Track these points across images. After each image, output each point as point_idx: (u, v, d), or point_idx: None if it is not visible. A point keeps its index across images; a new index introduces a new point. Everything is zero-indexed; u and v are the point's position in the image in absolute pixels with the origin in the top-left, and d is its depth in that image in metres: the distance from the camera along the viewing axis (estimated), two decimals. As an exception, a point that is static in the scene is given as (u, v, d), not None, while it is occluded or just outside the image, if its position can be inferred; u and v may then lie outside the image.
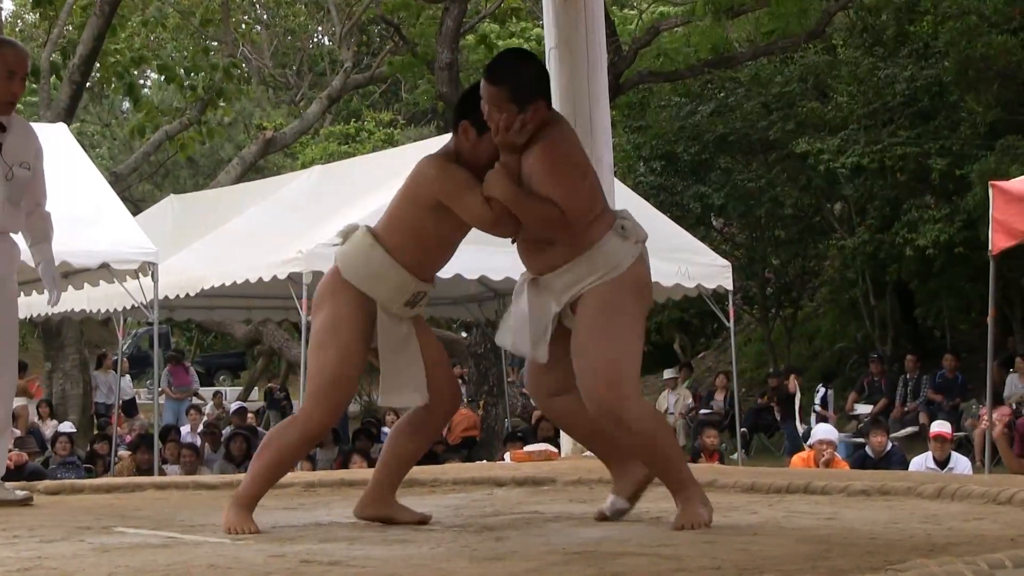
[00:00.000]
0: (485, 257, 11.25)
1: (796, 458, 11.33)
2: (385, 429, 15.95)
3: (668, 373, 19.32)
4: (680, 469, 4.63)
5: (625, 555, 3.87)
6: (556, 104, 8.33)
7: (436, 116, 29.89)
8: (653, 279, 13.55)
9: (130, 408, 19.60)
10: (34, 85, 19.69)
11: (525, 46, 22.30)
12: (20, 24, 27.25)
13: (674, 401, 18.30)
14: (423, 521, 4.84)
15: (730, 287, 13.61)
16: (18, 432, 13.86)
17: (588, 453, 7.88)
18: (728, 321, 14.01)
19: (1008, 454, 11.04)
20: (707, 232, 20.04)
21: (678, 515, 4.55)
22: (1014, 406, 14.32)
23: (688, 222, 17.47)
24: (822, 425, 11.63)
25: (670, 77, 20.42)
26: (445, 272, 10.70)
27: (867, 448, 11.86)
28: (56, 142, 12.51)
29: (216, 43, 25.63)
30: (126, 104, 29.47)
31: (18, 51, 5.71)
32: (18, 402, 17.09)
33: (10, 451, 8.74)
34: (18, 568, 3.69)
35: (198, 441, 15.11)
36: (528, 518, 4.95)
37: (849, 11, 19.89)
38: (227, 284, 12.85)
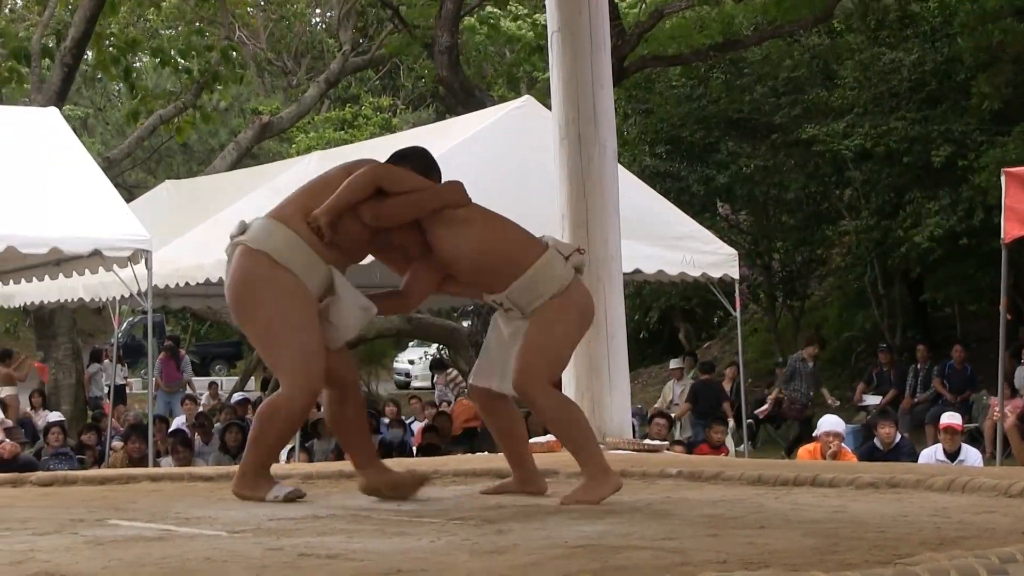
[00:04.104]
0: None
1: (802, 450, 11.27)
2: (384, 420, 15.86)
3: (674, 363, 19.13)
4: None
5: (628, 548, 3.78)
6: (558, 88, 8.29)
7: (435, 100, 29.80)
8: (659, 267, 13.47)
9: (120, 397, 19.49)
10: (25, 68, 19.57)
11: (528, 32, 22.25)
12: (11, 5, 27.11)
13: (679, 392, 18.09)
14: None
15: (736, 276, 13.50)
16: (9, 422, 13.73)
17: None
18: (734, 310, 13.91)
19: (1019, 446, 10.95)
20: (712, 219, 19.95)
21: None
22: (1025, 397, 14.22)
23: (693, 209, 17.36)
24: (829, 416, 11.54)
25: (674, 61, 20.29)
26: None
27: (875, 440, 11.78)
28: (47, 126, 12.44)
29: (211, 25, 25.51)
30: (116, 85, 29.38)
31: None
32: (7, 391, 17.04)
33: (1, 442, 8.69)
34: (10, 561, 3.59)
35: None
36: (530, 511, 4.88)
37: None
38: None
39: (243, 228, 5.32)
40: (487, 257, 5.25)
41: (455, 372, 20.47)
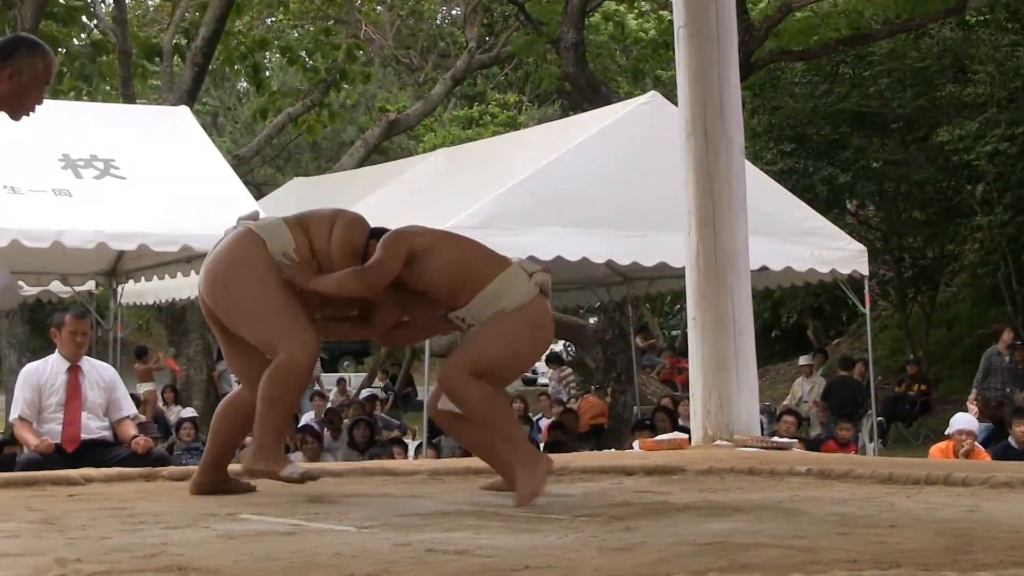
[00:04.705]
0: (612, 241, 11.16)
1: (934, 449, 11.10)
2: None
3: (803, 360, 18.99)
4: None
5: (757, 547, 3.77)
6: (685, 83, 8.25)
7: (561, 96, 29.80)
8: (786, 263, 13.36)
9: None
10: (157, 68, 19.84)
11: (651, 28, 22.17)
12: (143, 7, 27.60)
13: (808, 389, 17.93)
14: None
15: (866, 272, 13.30)
16: (143, 417, 13.88)
17: (720, 442, 7.83)
18: (864, 307, 13.76)
19: None
20: (840, 215, 19.70)
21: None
22: None
23: (819, 206, 17.17)
24: (961, 415, 11.35)
25: (802, 56, 20.06)
26: (571, 256, 10.59)
27: (1010, 439, 11.56)
28: (179, 125, 12.61)
29: (337, 24, 25.75)
30: (245, 84, 29.75)
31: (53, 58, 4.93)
32: (147, 387, 17.28)
33: (135, 437, 8.82)
34: (144, 555, 3.66)
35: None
36: (657, 508, 4.87)
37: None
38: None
39: (255, 216, 5.60)
40: (450, 276, 5.32)
41: (569, 369, 20.46)
